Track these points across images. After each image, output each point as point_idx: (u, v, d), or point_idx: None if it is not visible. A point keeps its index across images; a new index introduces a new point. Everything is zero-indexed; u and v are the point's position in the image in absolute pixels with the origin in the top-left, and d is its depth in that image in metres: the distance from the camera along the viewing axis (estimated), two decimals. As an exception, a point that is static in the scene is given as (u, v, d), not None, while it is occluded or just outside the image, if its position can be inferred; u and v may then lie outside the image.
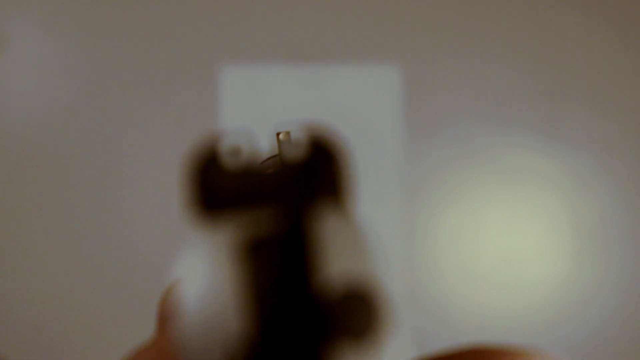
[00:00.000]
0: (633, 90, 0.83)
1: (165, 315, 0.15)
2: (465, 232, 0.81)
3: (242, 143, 0.12)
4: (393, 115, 0.81)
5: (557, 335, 0.80)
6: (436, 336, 0.80)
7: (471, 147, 0.81)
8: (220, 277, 0.11)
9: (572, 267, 0.81)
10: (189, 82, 0.80)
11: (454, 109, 0.81)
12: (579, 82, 0.83)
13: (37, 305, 0.78)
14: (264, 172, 0.12)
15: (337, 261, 0.11)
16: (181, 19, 0.81)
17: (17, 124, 0.80)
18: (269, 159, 0.12)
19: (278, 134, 0.14)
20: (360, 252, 0.11)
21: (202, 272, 0.11)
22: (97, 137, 0.79)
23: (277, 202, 0.12)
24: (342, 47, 0.81)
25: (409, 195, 0.80)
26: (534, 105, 0.82)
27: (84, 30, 0.81)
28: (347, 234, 0.11)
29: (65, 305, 0.78)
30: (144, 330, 0.77)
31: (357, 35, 0.82)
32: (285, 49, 0.81)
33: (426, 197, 0.81)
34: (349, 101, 0.81)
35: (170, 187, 0.79)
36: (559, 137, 0.82)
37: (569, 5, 0.84)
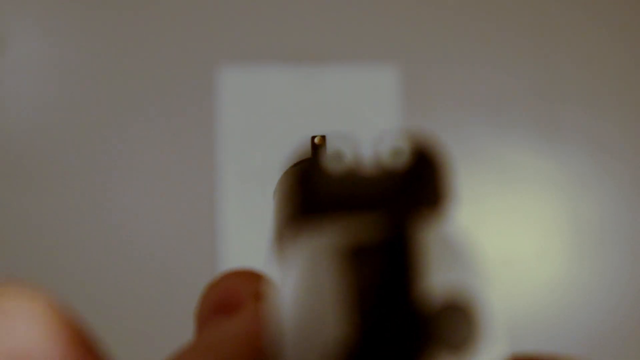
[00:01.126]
0: (633, 91, 0.83)
1: (213, 309, 0.14)
2: (464, 232, 0.81)
3: (345, 147, 0.12)
4: (392, 115, 0.81)
5: (557, 335, 0.80)
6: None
7: (470, 147, 0.81)
8: (321, 282, 0.11)
9: (571, 266, 0.81)
10: (188, 83, 0.80)
11: (452, 109, 0.81)
12: (578, 82, 0.83)
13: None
14: (366, 178, 0.12)
15: (438, 271, 0.11)
16: (180, 19, 0.81)
17: (17, 123, 0.80)
18: (297, 164, 0.12)
19: (313, 138, 0.14)
20: (462, 263, 0.11)
21: (302, 277, 0.11)
22: (96, 137, 0.79)
23: (380, 209, 0.12)
24: (341, 47, 0.82)
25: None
26: (533, 105, 0.82)
27: (84, 31, 0.81)
28: (449, 245, 0.11)
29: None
30: (147, 328, 0.77)
31: (356, 35, 0.82)
32: (285, 50, 0.81)
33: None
34: (348, 102, 0.81)
35: (170, 187, 0.79)
36: (559, 137, 0.82)
37: (569, 5, 0.84)
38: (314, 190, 0.12)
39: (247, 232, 0.78)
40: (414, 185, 0.12)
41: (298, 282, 0.11)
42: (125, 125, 0.80)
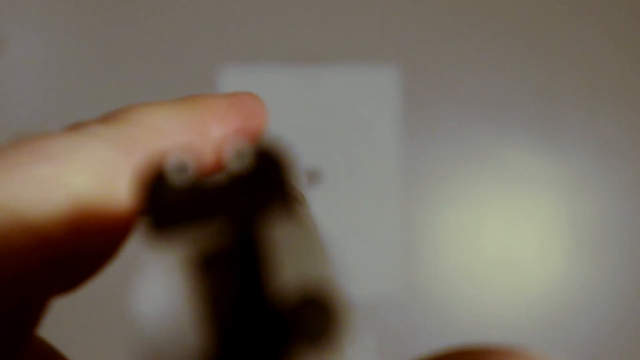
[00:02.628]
0: (633, 91, 0.83)
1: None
2: (464, 232, 0.81)
3: (187, 159, 0.12)
4: (392, 115, 0.81)
5: (556, 335, 0.80)
6: (435, 335, 0.80)
7: (470, 147, 0.81)
8: (175, 294, 0.11)
9: (571, 266, 0.81)
10: (188, 83, 0.80)
11: (453, 109, 0.81)
12: (578, 82, 0.83)
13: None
14: (211, 186, 0.12)
15: (291, 267, 0.11)
16: (180, 19, 0.81)
17: (17, 124, 0.80)
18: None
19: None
20: (315, 255, 0.11)
21: (156, 291, 0.11)
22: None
23: (226, 215, 0.12)
24: (341, 47, 0.82)
25: (407, 195, 0.80)
26: (533, 105, 0.82)
27: (84, 31, 0.81)
28: (300, 239, 0.11)
29: (62, 309, 0.78)
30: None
31: (356, 35, 0.82)
32: (285, 50, 0.81)
33: (424, 197, 0.81)
34: (348, 102, 0.81)
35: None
36: (559, 136, 0.82)
37: (569, 6, 0.84)
38: (159, 205, 0.12)
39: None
40: (259, 186, 0.12)
41: (154, 298, 0.11)
42: (126, 125, 0.80)
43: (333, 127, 0.80)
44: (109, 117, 0.15)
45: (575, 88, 0.83)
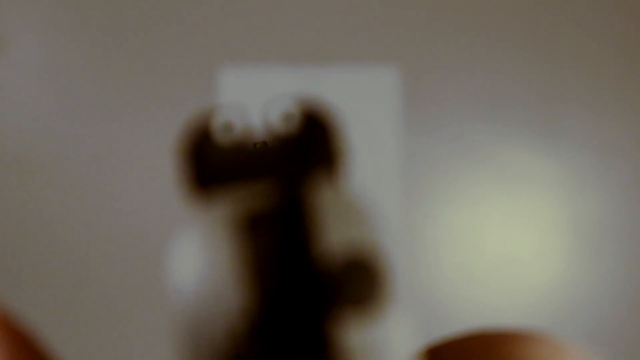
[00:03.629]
0: (633, 91, 0.83)
1: None
2: (464, 232, 0.81)
3: (234, 118, 0.12)
4: (392, 115, 0.81)
5: (556, 334, 0.80)
6: (435, 335, 0.80)
7: (470, 147, 0.81)
8: (218, 253, 0.11)
9: (571, 266, 0.81)
10: (188, 83, 0.80)
11: (452, 109, 0.81)
12: (578, 82, 0.83)
13: (36, 303, 0.78)
14: (258, 147, 0.12)
15: (335, 230, 0.11)
16: (180, 19, 0.81)
17: (17, 124, 0.80)
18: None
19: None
20: (359, 219, 0.11)
21: (200, 250, 0.11)
22: (96, 138, 0.80)
23: (272, 176, 0.12)
24: (341, 47, 0.82)
25: (407, 195, 0.80)
26: (533, 105, 0.82)
27: (84, 31, 0.81)
28: (344, 203, 0.11)
29: (63, 301, 0.78)
30: (141, 319, 0.77)
31: (356, 35, 0.82)
32: (285, 50, 0.81)
33: (425, 197, 0.81)
34: (348, 102, 0.81)
35: (170, 187, 0.79)
36: (559, 136, 0.82)
37: (569, 5, 0.84)
38: (205, 164, 0.12)
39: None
40: (306, 148, 0.12)
41: (197, 257, 0.11)
42: (126, 125, 0.80)
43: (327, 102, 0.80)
44: None
45: (575, 89, 0.83)
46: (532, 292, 0.81)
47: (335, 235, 0.11)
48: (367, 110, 0.81)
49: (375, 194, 0.79)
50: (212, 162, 0.12)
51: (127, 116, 0.80)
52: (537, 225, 0.81)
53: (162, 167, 0.79)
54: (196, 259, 0.11)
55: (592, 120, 0.82)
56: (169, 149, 0.80)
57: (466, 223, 0.81)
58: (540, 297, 0.81)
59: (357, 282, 0.11)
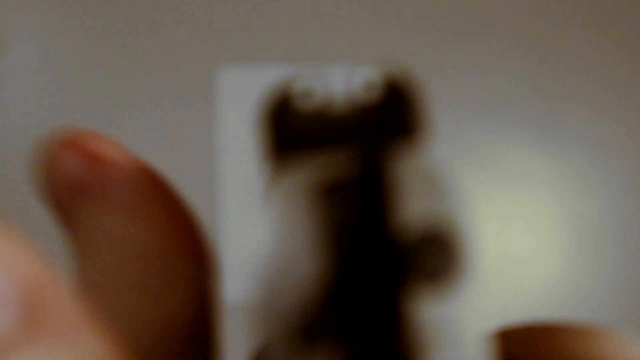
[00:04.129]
0: (633, 91, 0.83)
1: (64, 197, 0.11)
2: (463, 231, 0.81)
3: (315, 85, 0.12)
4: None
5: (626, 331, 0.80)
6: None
7: (469, 147, 0.81)
8: (296, 220, 0.11)
9: (570, 266, 0.81)
10: (188, 82, 0.80)
11: (452, 109, 0.81)
12: (578, 82, 0.83)
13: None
14: (338, 115, 0.12)
15: (413, 202, 0.11)
16: (180, 19, 0.81)
17: (17, 124, 0.80)
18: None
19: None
20: (437, 193, 0.11)
21: (277, 215, 0.11)
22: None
23: (352, 144, 0.12)
24: (341, 47, 0.82)
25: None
26: (532, 105, 0.82)
27: (84, 31, 0.81)
28: (423, 175, 0.11)
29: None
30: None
31: (356, 35, 0.82)
32: (285, 50, 0.81)
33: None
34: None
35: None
36: (558, 136, 0.82)
37: (569, 6, 0.84)
38: (285, 129, 0.12)
39: (247, 230, 0.78)
40: (387, 118, 0.12)
41: (274, 221, 0.11)
42: (125, 125, 0.80)
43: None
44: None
45: (575, 88, 0.83)
46: (531, 292, 0.81)
47: (413, 208, 0.11)
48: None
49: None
50: (291, 129, 0.12)
51: (127, 116, 0.80)
52: (536, 225, 0.81)
53: (163, 167, 0.79)
54: (273, 225, 0.11)
55: (591, 120, 0.82)
56: (167, 147, 0.80)
57: (465, 223, 0.81)
58: (539, 296, 0.81)
59: (432, 256, 0.11)
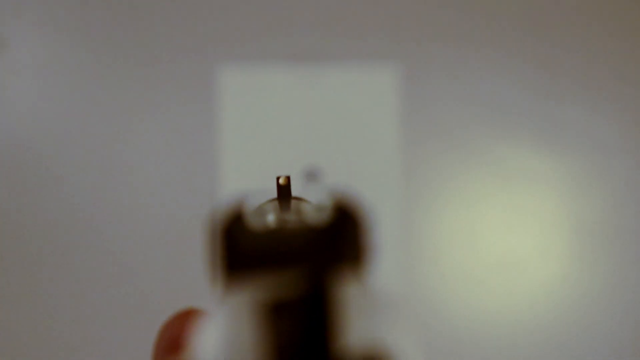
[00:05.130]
0: (633, 91, 0.83)
1: (166, 347, 0.15)
2: (463, 233, 0.81)
3: (267, 204, 0.12)
4: (392, 115, 0.81)
5: (556, 335, 0.80)
6: (435, 335, 0.80)
7: (470, 147, 0.81)
8: (241, 337, 0.11)
9: (571, 267, 0.81)
10: (188, 82, 0.80)
11: (452, 109, 0.81)
12: (578, 82, 0.83)
13: (38, 309, 0.78)
14: (288, 234, 0.12)
15: (355, 328, 0.11)
16: (180, 18, 0.81)
17: (17, 124, 0.80)
18: (268, 202, 0.13)
19: (278, 178, 0.15)
20: (380, 320, 0.11)
21: (223, 331, 0.11)
22: (96, 137, 0.80)
23: (300, 265, 0.12)
24: (341, 47, 0.82)
25: (407, 196, 0.80)
26: (533, 105, 0.82)
27: (84, 31, 0.81)
28: (368, 300, 0.11)
29: (63, 310, 0.78)
30: (143, 328, 0.77)
31: (356, 35, 0.82)
32: (285, 50, 0.81)
33: (424, 198, 0.81)
34: (347, 101, 0.81)
35: (170, 187, 0.79)
36: (558, 137, 0.82)
37: (569, 6, 0.84)
38: (235, 247, 0.12)
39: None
40: (335, 241, 0.12)
41: (220, 338, 0.11)
42: (125, 125, 0.80)
43: (332, 126, 0.80)
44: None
45: (575, 88, 0.83)
46: (531, 292, 0.81)
47: (354, 332, 0.11)
48: (366, 110, 0.81)
49: (374, 193, 0.79)
50: (242, 246, 0.12)
51: (127, 116, 0.80)
52: (537, 225, 0.81)
53: (163, 167, 0.79)
54: (220, 341, 0.11)
55: (593, 120, 0.82)
56: (167, 147, 0.80)
57: (465, 223, 0.81)
58: (540, 296, 0.81)
59: None
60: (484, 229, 0.81)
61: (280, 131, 0.86)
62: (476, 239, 0.81)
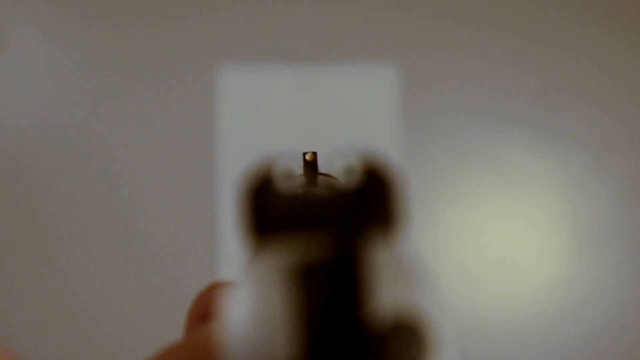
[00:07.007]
0: (633, 91, 0.83)
1: (198, 317, 0.15)
2: (463, 232, 0.81)
3: (296, 167, 0.12)
4: (391, 115, 0.81)
5: (556, 335, 0.80)
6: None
7: (469, 147, 0.81)
8: (270, 301, 0.11)
9: (570, 266, 0.81)
10: (188, 82, 0.80)
11: (452, 108, 0.81)
12: (577, 81, 0.83)
13: (39, 310, 0.78)
14: (317, 198, 0.12)
15: (387, 290, 0.11)
16: (180, 19, 0.81)
17: (17, 124, 0.80)
18: (296, 177, 0.12)
19: (305, 154, 0.14)
20: (411, 282, 0.11)
21: (252, 295, 0.11)
22: (96, 137, 0.80)
23: (330, 228, 0.12)
24: (341, 47, 0.82)
25: (406, 195, 0.80)
26: (532, 104, 0.82)
27: (83, 31, 0.81)
28: (399, 264, 0.11)
29: (66, 309, 0.78)
30: (149, 332, 0.77)
31: (356, 35, 0.82)
32: (285, 50, 0.81)
33: (424, 197, 0.81)
34: (348, 102, 0.81)
35: (169, 186, 0.79)
36: (558, 136, 0.82)
37: (568, 5, 0.84)
38: (264, 210, 0.12)
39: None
40: (365, 205, 0.12)
41: (250, 302, 0.11)
42: (125, 125, 0.80)
43: (332, 125, 0.80)
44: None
45: (574, 88, 0.83)
46: (531, 292, 0.81)
47: (385, 295, 0.11)
48: (366, 110, 0.81)
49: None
50: (271, 209, 0.12)
51: (127, 115, 0.80)
52: (536, 225, 0.81)
53: (163, 167, 0.80)
54: (248, 302, 0.11)
55: (592, 119, 0.82)
56: (167, 147, 0.80)
57: (466, 222, 0.81)
58: (540, 296, 0.81)
59: (403, 347, 0.11)
60: (484, 228, 0.81)
61: (280, 131, 0.86)
62: (475, 238, 0.81)
